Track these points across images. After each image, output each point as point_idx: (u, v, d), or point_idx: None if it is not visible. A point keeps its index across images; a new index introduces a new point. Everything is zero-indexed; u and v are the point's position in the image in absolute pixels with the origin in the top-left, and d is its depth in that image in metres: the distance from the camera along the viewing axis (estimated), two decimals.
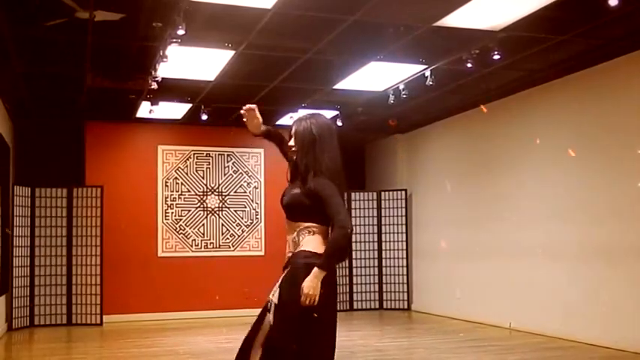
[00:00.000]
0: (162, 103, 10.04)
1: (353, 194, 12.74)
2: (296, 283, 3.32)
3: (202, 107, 10.43)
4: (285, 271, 3.46)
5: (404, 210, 12.61)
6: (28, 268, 10.73)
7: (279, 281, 3.45)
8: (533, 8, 6.43)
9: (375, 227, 12.73)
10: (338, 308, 3.59)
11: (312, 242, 3.44)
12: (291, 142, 3.58)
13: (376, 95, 9.69)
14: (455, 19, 6.70)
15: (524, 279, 9.50)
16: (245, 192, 12.32)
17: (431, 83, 8.56)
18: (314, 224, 3.46)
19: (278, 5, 6.27)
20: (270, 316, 3.40)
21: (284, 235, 3.57)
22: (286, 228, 3.56)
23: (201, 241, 12.09)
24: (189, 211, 12.05)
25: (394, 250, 12.62)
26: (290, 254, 3.49)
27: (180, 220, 11.98)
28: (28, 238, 10.76)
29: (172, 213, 11.94)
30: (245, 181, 12.30)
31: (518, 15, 6.60)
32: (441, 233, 11.61)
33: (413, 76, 8.73)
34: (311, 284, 3.26)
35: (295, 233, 3.48)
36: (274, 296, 3.40)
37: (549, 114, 9.12)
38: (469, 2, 6.27)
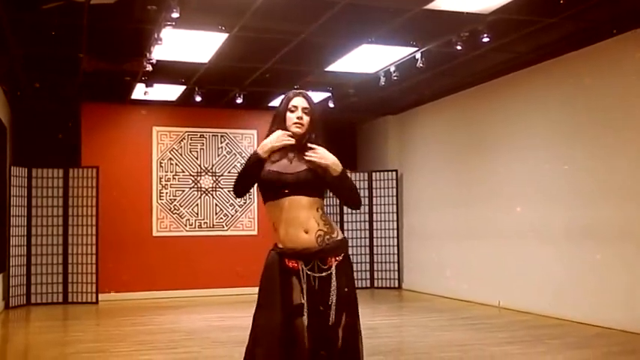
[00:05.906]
0: (156, 85, 10.13)
1: None
2: (350, 271, 3.46)
3: (196, 89, 10.49)
4: (338, 261, 3.35)
5: (395, 190, 12.74)
6: (25, 247, 10.85)
7: (335, 268, 3.33)
8: None
9: (367, 207, 12.82)
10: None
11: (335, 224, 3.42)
12: (301, 114, 3.36)
13: (368, 77, 9.77)
14: (445, 2, 6.76)
15: (513, 258, 9.64)
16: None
17: (421, 65, 8.64)
18: (322, 200, 3.38)
19: None
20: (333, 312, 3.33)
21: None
22: (297, 205, 3.29)
23: (195, 220, 12.22)
24: (184, 191, 12.17)
25: (385, 229, 12.76)
26: (322, 233, 3.29)
27: (175, 200, 12.10)
28: (25, 218, 10.88)
29: (167, 193, 12.06)
30: (238, 162, 12.38)
31: None
32: (432, 213, 11.76)
33: (404, 59, 8.82)
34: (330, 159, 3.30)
35: (319, 212, 3.31)
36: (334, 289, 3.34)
37: (538, 96, 9.21)
38: None
